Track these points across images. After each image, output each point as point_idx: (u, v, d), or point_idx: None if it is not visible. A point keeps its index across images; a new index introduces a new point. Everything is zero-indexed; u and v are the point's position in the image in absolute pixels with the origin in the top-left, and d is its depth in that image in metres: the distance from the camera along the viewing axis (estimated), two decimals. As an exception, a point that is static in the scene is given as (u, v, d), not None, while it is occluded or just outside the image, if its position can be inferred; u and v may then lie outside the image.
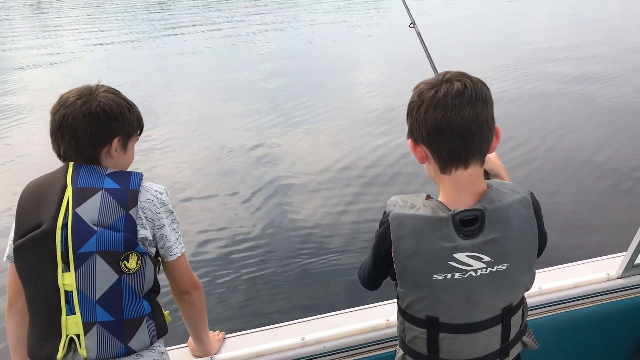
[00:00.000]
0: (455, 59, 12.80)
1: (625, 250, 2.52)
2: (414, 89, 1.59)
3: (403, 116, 1.66)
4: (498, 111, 1.58)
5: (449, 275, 1.53)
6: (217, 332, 2.28)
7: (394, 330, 2.28)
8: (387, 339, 2.29)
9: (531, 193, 1.61)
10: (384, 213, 1.64)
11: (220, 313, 4.44)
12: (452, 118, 1.47)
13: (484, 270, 1.53)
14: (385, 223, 1.61)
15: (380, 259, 1.67)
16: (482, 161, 1.56)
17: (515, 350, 1.72)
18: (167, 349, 1.99)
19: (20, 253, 1.75)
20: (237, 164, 7.78)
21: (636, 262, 2.51)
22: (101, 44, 19.76)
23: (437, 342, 1.63)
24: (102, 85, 1.89)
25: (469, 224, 1.51)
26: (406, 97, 1.63)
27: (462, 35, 18.10)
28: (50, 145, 1.85)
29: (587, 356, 2.57)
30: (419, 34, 2.32)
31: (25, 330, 1.85)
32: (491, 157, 1.78)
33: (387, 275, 1.72)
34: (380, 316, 2.32)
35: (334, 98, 11.01)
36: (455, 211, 1.51)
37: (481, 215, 1.50)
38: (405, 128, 1.63)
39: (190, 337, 2.20)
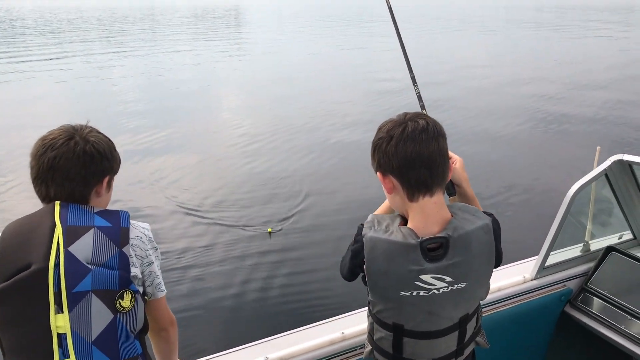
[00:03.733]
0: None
1: (536, 254, 2.89)
2: (379, 129, 1.75)
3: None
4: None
5: (414, 293, 1.70)
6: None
7: (350, 342, 2.42)
8: (344, 351, 2.42)
9: (492, 217, 1.80)
10: (359, 230, 1.78)
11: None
12: (421, 151, 1.64)
13: (446, 288, 1.70)
14: (359, 242, 1.75)
15: (355, 267, 1.81)
16: (444, 189, 1.76)
17: (469, 349, 1.93)
18: None
19: (5, 297, 1.62)
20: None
21: (546, 264, 2.88)
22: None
23: (402, 345, 1.81)
24: (86, 126, 1.85)
25: (434, 248, 1.69)
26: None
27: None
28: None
29: (512, 350, 2.88)
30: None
31: None
32: (457, 167, 1.97)
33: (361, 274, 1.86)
34: (335, 330, 2.44)
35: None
36: (423, 238, 1.64)
37: (446, 242, 1.65)
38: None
39: None
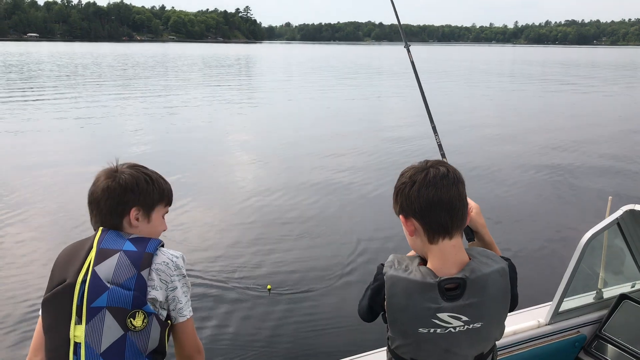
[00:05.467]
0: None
1: (550, 300, 2.95)
2: (401, 174, 1.88)
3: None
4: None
5: (431, 330, 1.78)
6: None
7: None
8: None
9: (509, 262, 1.89)
10: (379, 269, 1.87)
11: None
12: (442, 196, 1.75)
13: (462, 327, 1.78)
14: (380, 280, 1.84)
15: (375, 306, 1.89)
16: (462, 233, 1.86)
17: None
18: None
19: (45, 306, 1.87)
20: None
21: (560, 310, 2.94)
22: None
23: None
24: (126, 163, 2.07)
25: (452, 288, 1.77)
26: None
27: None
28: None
29: None
30: (412, 61, 2.66)
31: None
32: (473, 214, 2.06)
33: (379, 315, 1.93)
34: None
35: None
36: (441, 278, 1.73)
37: (463, 283, 1.73)
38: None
39: None
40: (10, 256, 6.87)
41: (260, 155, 13.49)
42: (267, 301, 5.79)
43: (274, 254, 7.11)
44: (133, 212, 1.99)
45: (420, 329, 1.77)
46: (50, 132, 15.97)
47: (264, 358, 4.79)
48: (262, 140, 15.69)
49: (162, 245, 1.96)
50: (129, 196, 1.97)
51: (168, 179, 2.15)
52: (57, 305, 1.84)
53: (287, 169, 12.00)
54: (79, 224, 7.85)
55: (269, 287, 6.05)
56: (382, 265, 1.87)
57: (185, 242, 7.41)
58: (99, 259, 1.85)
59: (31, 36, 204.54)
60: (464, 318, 1.76)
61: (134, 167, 2.06)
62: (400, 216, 1.85)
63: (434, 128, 2.50)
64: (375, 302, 1.87)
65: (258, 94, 28.61)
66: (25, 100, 22.93)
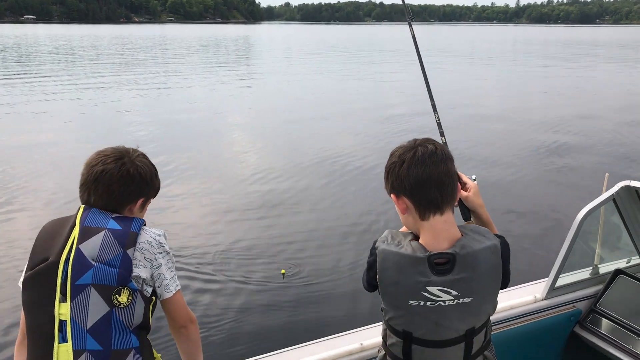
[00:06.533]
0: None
1: (546, 275, 3.00)
2: (391, 154, 1.90)
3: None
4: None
5: (422, 303, 1.82)
6: None
7: (368, 353, 2.52)
8: None
9: (502, 239, 1.91)
10: (375, 243, 1.91)
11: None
12: (431, 173, 1.78)
13: (452, 301, 1.82)
14: (374, 255, 1.89)
15: (371, 278, 1.95)
16: (453, 208, 1.89)
17: None
18: None
19: (27, 284, 1.88)
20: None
21: (556, 285, 2.98)
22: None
23: (410, 352, 1.92)
24: (136, 150, 2.09)
25: (442, 263, 1.81)
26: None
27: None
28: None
29: None
30: (413, 37, 2.67)
31: None
32: (471, 195, 2.10)
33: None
34: (354, 341, 2.54)
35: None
36: (431, 253, 1.77)
37: (452, 258, 1.77)
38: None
39: None
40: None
41: (259, 134, 13.51)
42: (282, 286, 5.70)
43: (286, 238, 7.00)
44: (139, 202, 2.05)
45: (410, 302, 1.81)
46: (47, 111, 15.94)
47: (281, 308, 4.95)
48: (261, 119, 15.66)
49: (144, 224, 2.00)
50: (143, 187, 2.04)
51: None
52: (40, 283, 1.85)
53: (287, 146, 12.00)
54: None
55: (283, 271, 5.97)
56: (377, 240, 1.91)
57: (187, 226, 7.41)
58: (83, 237, 1.87)
59: (28, 18, 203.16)
60: (454, 292, 1.79)
61: (145, 157, 2.10)
62: (392, 195, 1.88)
63: (433, 106, 2.50)
64: (371, 275, 1.92)
65: (255, 74, 28.50)
66: (22, 81, 22.87)
